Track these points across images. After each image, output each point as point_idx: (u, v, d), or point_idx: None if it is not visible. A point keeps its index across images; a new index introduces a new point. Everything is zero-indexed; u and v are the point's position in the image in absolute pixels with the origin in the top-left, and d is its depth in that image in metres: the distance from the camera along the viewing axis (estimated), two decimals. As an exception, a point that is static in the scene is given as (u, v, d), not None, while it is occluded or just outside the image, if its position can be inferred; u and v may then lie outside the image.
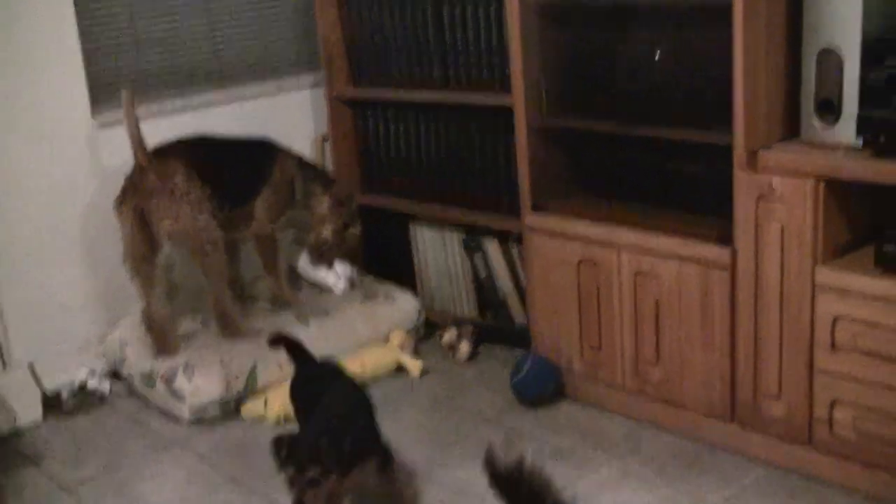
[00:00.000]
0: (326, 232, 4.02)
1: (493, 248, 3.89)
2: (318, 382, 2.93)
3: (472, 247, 3.97)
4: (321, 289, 4.14)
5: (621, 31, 3.21)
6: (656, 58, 3.09)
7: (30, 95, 3.73)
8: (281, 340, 3.16)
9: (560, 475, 2.95)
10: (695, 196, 3.15)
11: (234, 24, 4.25)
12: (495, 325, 3.98)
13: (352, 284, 4.13)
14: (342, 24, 4.22)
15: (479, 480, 2.96)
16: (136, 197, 3.58)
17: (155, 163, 3.60)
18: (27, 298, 3.81)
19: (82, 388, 3.83)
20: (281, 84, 4.40)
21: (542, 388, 3.43)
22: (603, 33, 3.26)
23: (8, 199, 3.73)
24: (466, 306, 4.09)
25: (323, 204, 4.00)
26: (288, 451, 2.45)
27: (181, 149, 3.69)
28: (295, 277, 4.21)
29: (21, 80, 3.71)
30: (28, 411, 3.66)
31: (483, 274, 3.97)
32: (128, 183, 3.63)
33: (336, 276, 4.12)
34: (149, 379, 3.65)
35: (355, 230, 4.09)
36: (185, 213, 3.58)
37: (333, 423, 2.66)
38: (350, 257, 4.17)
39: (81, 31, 3.83)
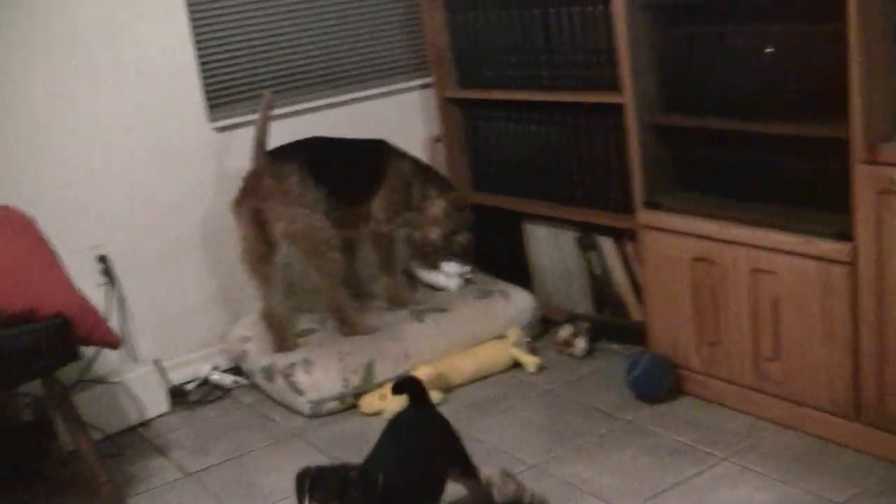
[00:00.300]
0: (434, 234, 4.07)
1: (607, 245, 3.89)
2: (412, 429, 2.68)
3: (586, 245, 3.97)
4: (437, 288, 4.18)
5: (731, 25, 3.16)
6: (768, 51, 3.04)
7: (150, 103, 3.87)
8: (408, 386, 2.76)
9: (676, 471, 2.97)
10: (810, 191, 3.08)
11: (344, 29, 4.32)
12: (611, 321, 3.96)
13: (465, 282, 4.16)
14: (449, 27, 4.27)
15: (592, 476, 3.00)
16: (252, 199, 3.67)
17: (271, 165, 3.68)
18: (153, 297, 3.95)
19: (206, 381, 3.96)
20: (392, 86, 4.46)
21: (658, 384, 3.41)
22: (712, 27, 3.21)
23: (133, 205, 3.88)
24: (583, 303, 4.08)
25: (436, 206, 4.04)
26: (312, 482, 2.24)
27: (296, 151, 3.76)
28: (411, 276, 4.26)
29: (142, 89, 3.85)
30: (155, 404, 3.79)
31: (598, 271, 3.96)
32: (245, 185, 3.73)
33: (447, 275, 4.16)
34: (268, 373, 3.74)
35: (463, 238, 4.13)
36: (299, 214, 3.65)
37: (377, 459, 2.47)
38: (460, 258, 4.20)
39: (197, 39, 3.95)
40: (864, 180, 2.76)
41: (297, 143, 3.84)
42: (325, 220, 3.73)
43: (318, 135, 3.96)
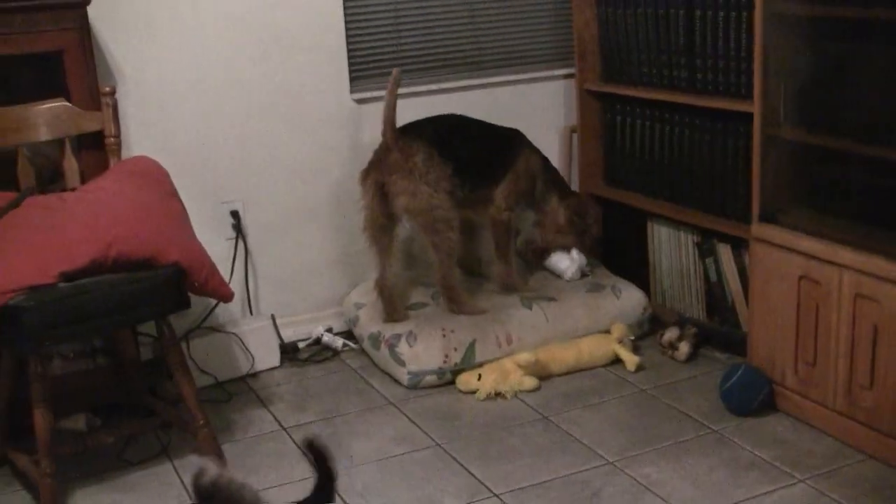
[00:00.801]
0: (564, 240, 4.13)
1: (725, 253, 3.86)
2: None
3: (705, 250, 3.96)
4: (552, 273, 4.23)
5: (867, 46, 3.10)
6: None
7: (299, 70, 4.02)
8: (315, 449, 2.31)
9: (749, 486, 2.96)
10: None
11: (493, 13, 4.37)
12: (719, 329, 3.94)
13: (581, 274, 4.20)
14: (597, 21, 4.29)
15: (663, 479, 3.02)
16: (378, 172, 3.78)
17: (400, 141, 3.77)
18: (278, 256, 4.12)
19: (317, 341, 4.13)
20: (534, 73, 4.49)
21: (748, 398, 3.38)
22: (848, 47, 3.16)
23: (270, 165, 4.04)
24: (694, 308, 4.07)
25: (559, 214, 4.11)
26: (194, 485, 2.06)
27: (428, 129, 3.84)
28: (526, 262, 4.32)
29: (292, 56, 4.00)
30: (266, 358, 3.97)
31: (714, 278, 3.94)
32: (374, 157, 3.84)
33: (569, 261, 4.20)
34: (375, 341, 3.88)
35: (588, 239, 4.18)
36: (421, 191, 3.74)
37: None
38: (585, 249, 4.24)
39: (347, 13, 4.07)
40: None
41: (430, 120, 3.92)
42: (448, 200, 3.80)
43: (456, 113, 4.03)
